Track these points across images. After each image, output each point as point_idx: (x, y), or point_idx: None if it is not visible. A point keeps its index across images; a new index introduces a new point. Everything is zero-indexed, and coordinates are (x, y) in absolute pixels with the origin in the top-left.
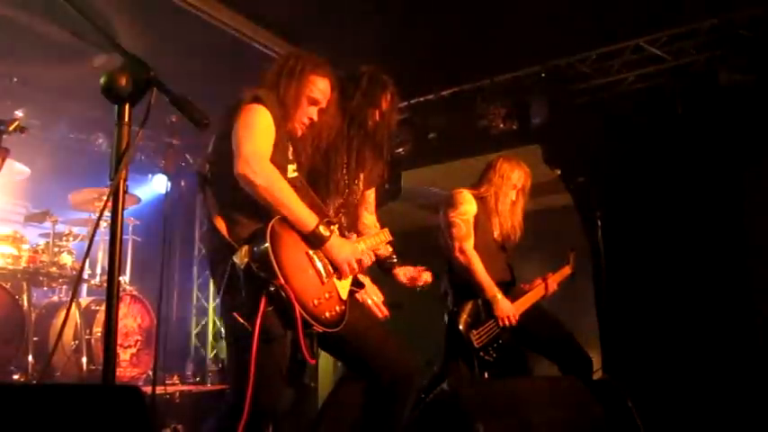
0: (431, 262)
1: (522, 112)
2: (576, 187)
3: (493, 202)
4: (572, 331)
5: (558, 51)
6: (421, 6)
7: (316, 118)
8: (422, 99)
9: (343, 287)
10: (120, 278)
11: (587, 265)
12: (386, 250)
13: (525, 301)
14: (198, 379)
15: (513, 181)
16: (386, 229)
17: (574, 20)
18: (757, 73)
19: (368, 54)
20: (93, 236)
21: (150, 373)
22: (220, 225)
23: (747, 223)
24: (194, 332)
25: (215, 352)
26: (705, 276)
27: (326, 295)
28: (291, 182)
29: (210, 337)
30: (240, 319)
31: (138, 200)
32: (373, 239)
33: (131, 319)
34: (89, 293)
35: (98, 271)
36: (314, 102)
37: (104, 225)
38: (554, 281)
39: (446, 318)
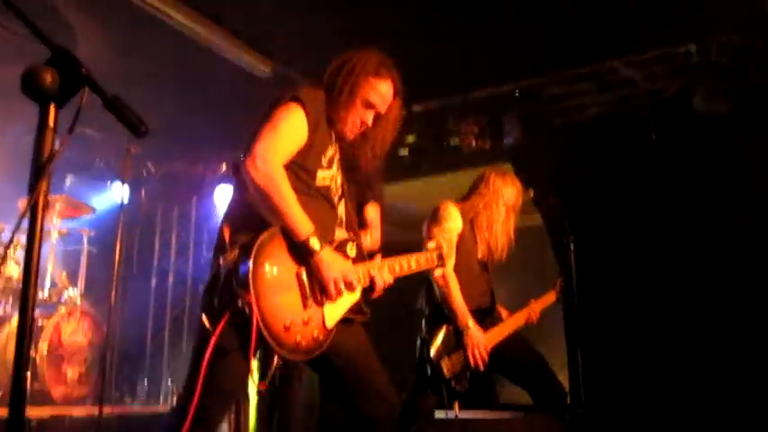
0: (405, 279)
1: (494, 130)
2: (547, 208)
3: (482, 218)
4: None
5: (532, 71)
6: (392, 22)
7: (371, 123)
8: None
9: (332, 314)
10: (71, 291)
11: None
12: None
13: (503, 330)
14: (152, 399)
15: (504, 197)
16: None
17: (549, 39)
18: (732, 100)
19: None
20: (6, 250)
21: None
22: (226, 228)
23: (721, 251)
24: (149, 349)
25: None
26: (678, 302)
27: (304, 319)
28: (318, 190)
29: (166, 354)
30: (206, 323)
31: (93, 209)
32: (406, 261)
33: (81, 335)
34: (37, 306)
35: (47, 284)
36: (369, 105)
37: (56, 235)
38: (537, 309)
39: (418, 342)
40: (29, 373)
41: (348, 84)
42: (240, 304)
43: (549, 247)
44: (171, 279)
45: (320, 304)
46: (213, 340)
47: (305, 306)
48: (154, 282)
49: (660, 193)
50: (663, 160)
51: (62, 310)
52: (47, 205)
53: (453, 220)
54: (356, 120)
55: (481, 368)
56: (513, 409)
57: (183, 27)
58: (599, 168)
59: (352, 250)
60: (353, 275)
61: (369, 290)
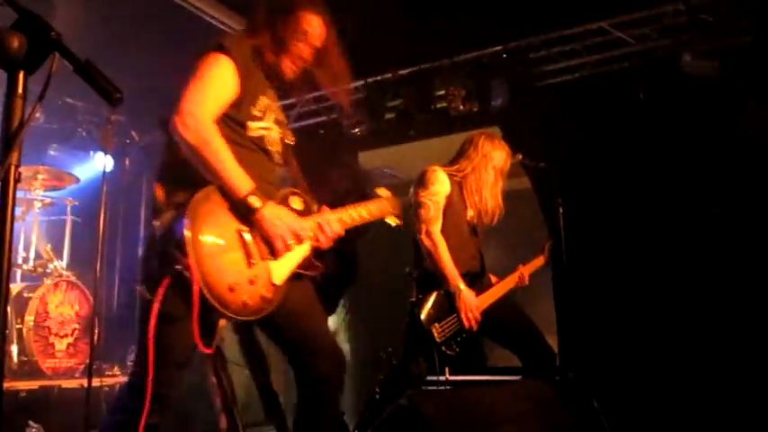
0: (394, 245)
1: (482, 93)
2: (536, 172)
3: (470, 181)
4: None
5: (520, 32)
6: None
7: (309, 58)
8: (378, 78)
9: (280, 271)
10: (57, 263)
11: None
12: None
13: (493, 294)
14: None
15: (493, 161)
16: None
17: (536, 0)
18: (721, 59)
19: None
20: None
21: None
22: (159, 187)
23: (710, 211)
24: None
25: None
26: (667, 264)
27: (250, 278)
28: (254, 141)
29: None
30: (145, 292)
31: (77, 179)
32: (356, 211)
33: (68, 306)
34: (22, 279)
35: (32, 255)
36: (304, 38)
37: (39, 206)
38: (526, 272)
39: (409, 307)
40: (15, 347)
41: (280, 20)
42: (179, 268)
43: (537, 210)
44: None
45: (266, 260)
46: (155, 308)
47: (249, 265)
48: (140, 251)
49: (649, 153)
50: (651, 121)
51: (48, 281)
52: (18, 176)
53: (440, 184)
54: (294, 57)
55: (474, 329)
56: (504, 372)
57: None
58: (587, 130)
59: (296, 204)
60: (300, 228)
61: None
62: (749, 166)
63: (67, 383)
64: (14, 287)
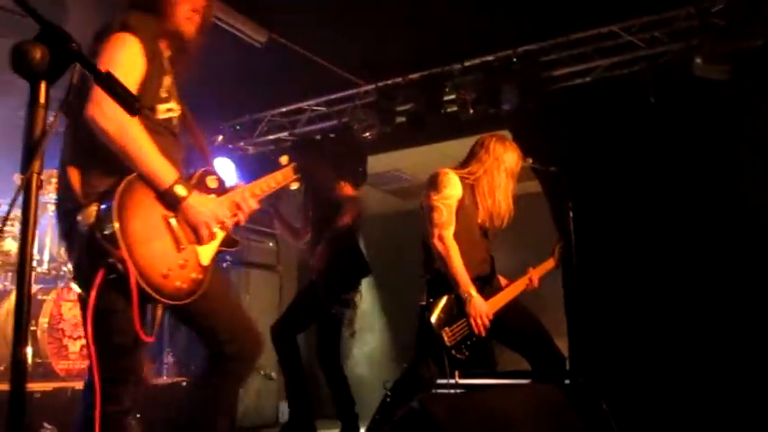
0: (403, 248)
1: (492, 97)
2: (546, 175)
3: (482, 184)
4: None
5: (531, 36)
6: None
7: (192, 30)
8: (390, 82)
9: (206, 252)
10: (70, 265)
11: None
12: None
13: (503, 298)
14: (153, 371)
15: (505, 163)
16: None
17: (547, 4)
18: (732, 63)
19: (336, 36)
20: (3, 225)
21: None
22: (73, 175)
23: (721, 215)
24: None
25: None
26: (677, 268)
27: (181, 263)
28: (163, 124)
29: (166, 327)
30: (78, 288)
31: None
32: (265, 182)
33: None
34: (36, 281)
35: (45, 257)
36: (192, 6)
37: (53, 209)
38: (536, 275)
39: (419, 310)
40: (30, 348)
41: None
42: (112, 261)
43: (547, 214)
44: None
45: (193, 244)
46: (91, 304)
47: (179, 249)
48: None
49: (659, 157)
50: (662, 126)
51: (61, 284)
52: (41, 183)
53: (453, 187)
54: (187, 8)
55: (483, 335)
56: (513, 376)
57: None
58: (598, 134)
59: (212, 183)
60: (224, 213)
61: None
62: (760, 170)
63: (81, 385)
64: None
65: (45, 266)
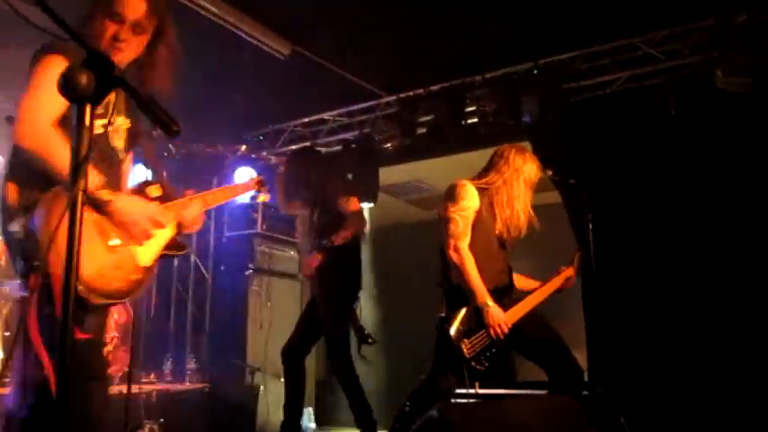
0: (424, 257)
1: (512, 108)
2: (566, 187)
3: (501, 195)
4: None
5: (551, 48)
6: (409, 1)
7: (123, 37)
8: (411, 93)
9: (146, 253)
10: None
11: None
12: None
13: (522, 308)
14: (177, 377)
15: (524, 174)
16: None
17: (567, 16)
18: (754, 75)
19: (358, 48)
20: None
21: (127, 371)
22: (10, 189)
23: (741, 226)
24: (173, 329)
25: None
26: (698, 280)
27: (115, 265)
28: (99, 137)
29: (189, 334)
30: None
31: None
32: (221, 192)
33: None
34: None
35: None
36: (116, 17)
37: None
38: (554, 285)
39: (437, 322)
40: None
41: (94, 2)
42: (39, 264)
43: (564, 225)
44: (192, 260)
45: (129, 246)
46: (33, 308)
47: (111, 251)
48: (176, 262)
49: (680, 169)
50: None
51: None
52: (84, 200)
53: (470, 199)
54: (109, 38)
55: (501, 344)
56: (532, 387)
57: (204, 9)
58: (618, 146)
59: (154, 192)
60: (156, 213)
61: (180, 226)
62: None
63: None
64: None
65: None
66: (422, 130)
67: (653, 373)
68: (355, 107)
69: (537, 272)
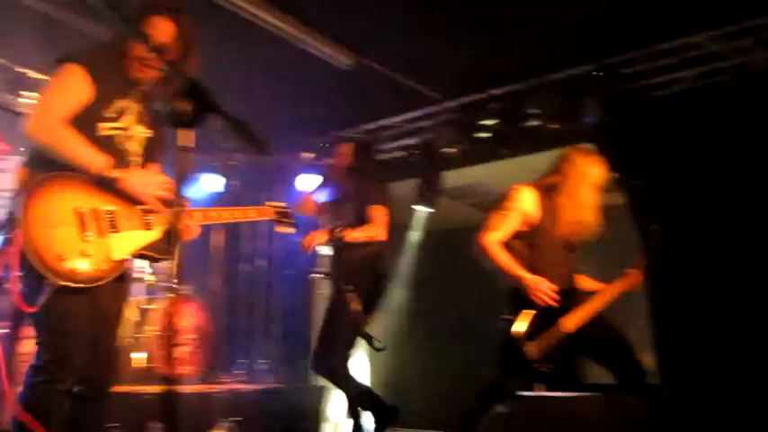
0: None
1: (574, 111)
2: (631, 189)
3: (564, 197)
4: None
5: (613, 48)
6: (470, 9)
7: (151, 57)
8: (471, 98)
9: (121, 247)
10: (174, 277)
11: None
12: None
13: (587, 310)
14: (247, 378)
15: (589, 177)
16: None
17: (628, 16)
18: None
19: (417, 53)
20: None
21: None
22: (21, 173)
23: None
24: (243, 331)
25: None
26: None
27: (83, 252)
28: (99, 140)
29: (259, 335)
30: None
31: (190, 200)
32: (228, 212)
33: (186, 318)
34: (147, 292)
35: (152, 270)
36: (146, 38)
37: None
38: (619, 287)
39: (501, 324)
40: (145, 354)
41: (128, 22)
42: (13, 237)
43: (629, 227)
44: (261, 264)
45: (104, 236)
46: (12, 273)
47: (83, 239)
48: (246, 267)
49: (747, 169)
50: (750, 137)
51: (167, 294)
52: (185, 213)
53: (519, 202)
54: (142, 59)
55: (553, 304)
56: (598, 390)
57: (267, 23)
58: (683, 146)
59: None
60: (166, 182)
61: (170, 234)
62: None
63: (186, 389)
64: (140, 300)
65: (152, 279)
66: (483, 134)
67: (724, 375)
68: (416, 113)
69: (601, 274)
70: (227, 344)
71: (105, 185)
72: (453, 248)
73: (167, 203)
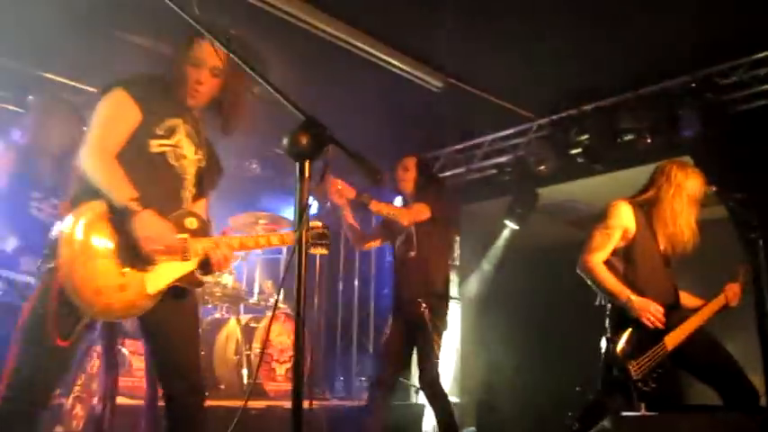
0: (579, 278)
1: (669, 124)
2: (733, 203)
3: (663, 212)
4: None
5: (708, 60)
6: (561, 21)
7: (203, 81)
8: (563, 115)
9: (156, 281)
10: (276, 297)
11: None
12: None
13: (689, 326)
14: (345, 394)
15: (687, 190)
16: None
17: (724, 26)
18: None
19: (510, 70)
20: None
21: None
22: (65, 206)
23: None
24: (339, 349)
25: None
26: None
27: (120, 286)
28: (153, 157)
29: (354, 354)
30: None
31: (290, 222)
32: (254, 239)
33: (286, 335)
34: (246, 311)
35: (255, 290)
36: (195, 64)
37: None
38: (721, 302)
39: (603, 342)
40: (245, 371)
41: (178, 49)
42: (51, 267)
43: (729, 241)
44: (356, 283)
45: (140, 270)
46: (52, 306)
47: (121, 273)
48: (341, 286)
49: None
50: None
51: (269, 313)
52: (308, 239)
53: (618, 218)
54: (190, 82)
55: (661, 327)
56: (704, 410)
57: (359, 49)
58: None
59: (191, 224)
60: (171, 239)
61: (207, 264)
62: None
63: (288, 404)
64: (242, 318)
65: (255, 298)
66: (576, 150)
67: None
68: (509, 131)
69: (702, 289)
70: (324, 361)
71: (123, 217)
72: (547, 265)
73: (202, 232)
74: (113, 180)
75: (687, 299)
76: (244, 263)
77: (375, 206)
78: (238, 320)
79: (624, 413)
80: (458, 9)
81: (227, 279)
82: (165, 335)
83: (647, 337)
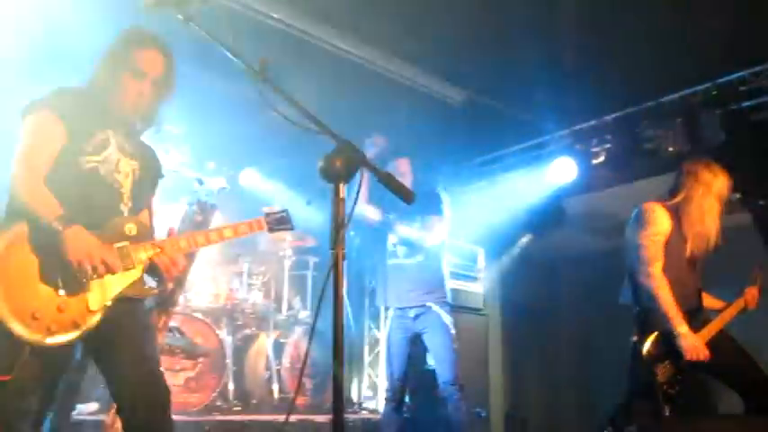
0: (605, 286)
1: (692, 132)
2: (757, 209)
3: (691, 212)
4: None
5: (729, 66)
6: (584, 30)
7: (145, 92)
8: (585, 125)
9: (99, 296)
10: (304, 312)
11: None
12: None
13: (711, 329)
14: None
15: (714, 190)
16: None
17: (745, 33)
18: None
19: (534, 79)
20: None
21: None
22: None
23: None
24: (367, 361)
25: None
26: None
27: (58, 307)
28: (87, 172)
29: (382, 365)
30: None
31: (315, 240)
32: (216, 232)
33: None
34: (275, 327)
35: (284, 306)
36: (138, 75)
37: (288, 264)
38: (740, 305)
39: (631, 345)
40: (276, 385)
41: (111, 63)
42: None
43: (755, 247)
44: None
45: (81, 288)
46: None
47: (58, 293)
48: (366, 302)
49: None
50: None
51: (298, 328)
52: (343, 257)
53: (659, 223)
54: (131, 94)
55: (704, 359)
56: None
57: (383, 68)
58: None
59: (131, 230)
60: (102, 252)
61: (156, 270)
62: None
63: (319, 418)
64: (273, 334)
65: (284, 314)
66: (597, 161)
67: None
68: (529, 143)
69: (726, 294)
70: (352, 373)
71: (50, 237)
72: (570, 274)
73: (142, 237)
74: (37, 200)
75: (710, 301)
76: (273, 280)
77: (402, 230)
78: (268, 336)
79: (647, 421)
80: None
81: (256, 296)
82: (114, 349)
83: (672, 342)
